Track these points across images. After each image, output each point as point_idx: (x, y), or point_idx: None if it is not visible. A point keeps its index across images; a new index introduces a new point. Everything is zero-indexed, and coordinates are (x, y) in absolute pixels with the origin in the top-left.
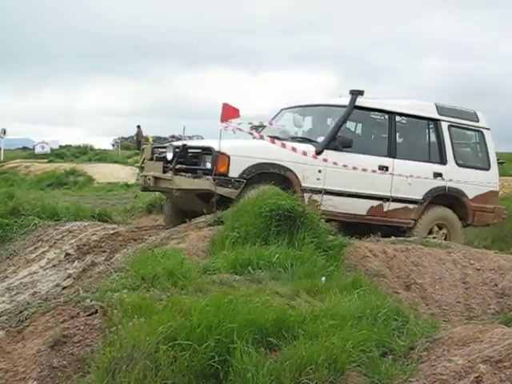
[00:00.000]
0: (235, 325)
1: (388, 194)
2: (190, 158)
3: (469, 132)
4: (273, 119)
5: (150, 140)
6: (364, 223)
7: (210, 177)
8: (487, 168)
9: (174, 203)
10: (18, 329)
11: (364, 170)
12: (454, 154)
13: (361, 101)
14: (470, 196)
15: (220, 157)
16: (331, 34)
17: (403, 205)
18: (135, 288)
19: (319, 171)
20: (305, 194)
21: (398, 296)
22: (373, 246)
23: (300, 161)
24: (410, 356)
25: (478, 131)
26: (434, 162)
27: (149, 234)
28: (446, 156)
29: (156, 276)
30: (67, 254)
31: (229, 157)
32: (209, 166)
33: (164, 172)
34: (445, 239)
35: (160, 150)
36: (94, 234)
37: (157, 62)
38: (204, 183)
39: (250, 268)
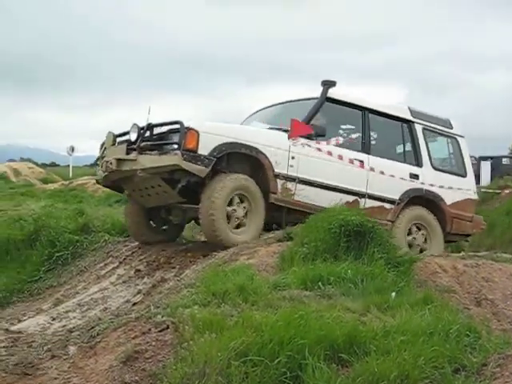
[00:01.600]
0: (307, 341)
1: (364, 189)
2: (155, 135)
3: (443, 138)
4: (247, 118)
5: None
6: None
7: (178, 151)
8: (464, 175)
9: (137, 201)
10: (90, 344)
11: (340, 157)
12: (429, 157)
13: (333, 92)
14: (448, 202)
15: (189, 132)
16: (396, 49)
17: (380, 203)
18: (206, 304)
19: (292, 158)
20: (278, 181)
21: (468, 312)
22: (443, 261)
23: (273, 144)
24: (482, 372)
25: (452, 137)
26: (409, 164)
27: (218, 250)
28: (421, 158)
29: (227, 292)
30: (137, 270)
31: (198, 132)
32: (176, 140)
33: (127, 154)
34: (425, 241)
35: (122, 135)
36: (163, 250)
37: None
38: (171, 158)
39: (320, 284)
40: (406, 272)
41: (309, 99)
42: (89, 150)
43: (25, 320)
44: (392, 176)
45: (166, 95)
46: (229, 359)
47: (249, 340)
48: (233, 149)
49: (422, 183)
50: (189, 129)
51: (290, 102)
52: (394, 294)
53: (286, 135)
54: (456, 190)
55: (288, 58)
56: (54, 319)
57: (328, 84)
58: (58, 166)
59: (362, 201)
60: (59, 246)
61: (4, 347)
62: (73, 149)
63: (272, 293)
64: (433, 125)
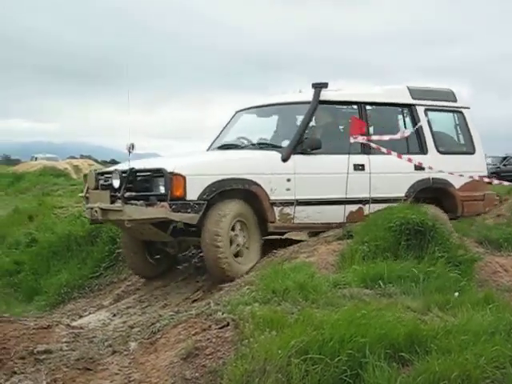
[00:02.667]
0: (367, 339)
1: (367, 195)
2: (140, 183)
3: (448, 114)
4: (228, 123)
5: None
6: None
7: (165, 203)
8: (472, 152)
9: (131, 234)
10: (151, 340)
11: (338, 172)
12: (434, 141)
13: (326, 94)
14: (457, 185)
15: (174, 178)
16: (459, 47)
17: (386, 205)
18: (266, 301)
19: (288, 180)
20: (274, 208)
21: None
22: (504, 260)
23: (266, 171)
24: None
25: (457, 112)
26: (413, 153)
27: (277, 248)
28: (426, 145)
29: (287, 289)
30: (197, 268)
31: (184, 177)
32: (162, 190)
33: (112, 202)
34: None
35: (105, 176)
36: None
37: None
38: (158, 211)
39: (380, 282)
40: (467, 271)
41: (300, 103)
42: (149, 147)
43: (86, 316)
44: (396, 172)
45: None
46: (289, 357)
47: (309, 338)
48: (223, 187)
49: (429, 172)
50: (173, 174)
51: (281, 104)
52: (457, 293)
53: (278, 156)
54: (465, 171)
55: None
56: (114, 315)
57: (319, 86)
58: (118, 163)
59: (366, 207)
60: (120, 243)
61: (65, 342)
62: (133, 146)
63: (332, 291)
64: (436, 102)
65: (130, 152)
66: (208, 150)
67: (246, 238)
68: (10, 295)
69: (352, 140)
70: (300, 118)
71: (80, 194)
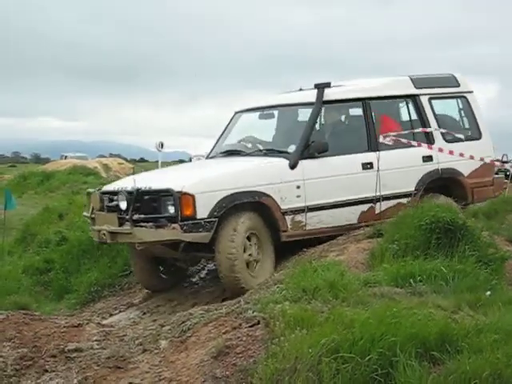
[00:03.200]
0: (398, 338)
1: (377, 194)
2: (147, 204)
3: (451, 101)
4: (228, 125)
5: None
6: None
7: (175, 225)
8: (478, 137)
9: (140, 251)
10: (181, 339)
11: (347, 173)
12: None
13: (329, 93)
14: (466, 173)
15: (183, 198)
16: (489, 46)
17: (396, 201)
18: (296, 300)
19: (298, 187)
20: (286, 217)
21: None
22: None
23: (275, 181)
24: None
25: (461, 97)
26: (420, 145)
27: (307, 247)
28: (432, 135)
29: (317, 288)
30: None
31: (193, 196)
32: (171, 210)
33: (120, 224)
34: None
35: (109, 196)
36: None
37: (309, 76)
38: (169, 233)
39: (411, 281)
40: (498, 270)
41: (303, 104)
42: (178, 146)
43: (116, 314)
44: (404, 167)
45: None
46: (320, 355)
47: (340, 337)
48: (233, 202)
49: (437, 162)
50: (182, 194)
51: (282, 106)
52: (488, 292)
53: (286, 163)
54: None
55: (377, 56)
56: (144, 313)
57: (322, 86)
58: (147, 161)
59: (377, 206)
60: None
61: (96, 341)
62: (162, 145)
63: (362, 289)
64: (439, 89)
65: (159, 150)
66: (210, 154)
67: (259, 250)
68: (41, 293)
69: (381, 139)
70: (302, 119)
71: (84, 214)
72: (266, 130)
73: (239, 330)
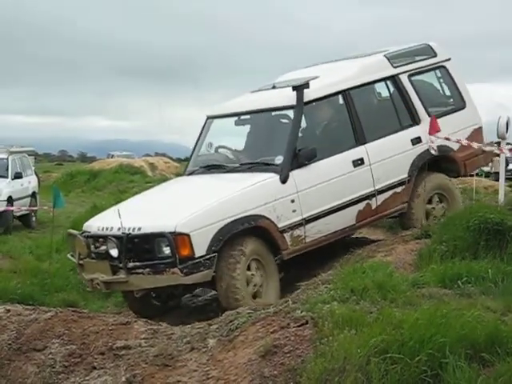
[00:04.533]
0: (447, 339)
1: (372, 189)
2: (140, 248)
3: (431, 73)
4: (201, 133)
5: None
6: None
7: (175, 269)
8: (462, 106)
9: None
10: (229, 338)
11: (339, 175)
12: (424, 107)
13: (309, 93)
14: (456, 147)
15: (178, 239)
16: None
17: (391, 192)
18: (345, 300)
19: (292, 201)
20: (285, 235)
21: None
22: None
23: (268, 200)
24: None
25: (440, 67)
26: (407, 127)
27: (354, 247)
28: (417, 114)
29: (365, 288)
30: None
31: (189, 235)
32: (167, 251)
33: (114, 272)
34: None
35: (97, 242)
36: None
37: None
38: (170, 278)
39: (459, 282)
40: None
41: (283, 108)
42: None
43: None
44: (395, 155)
45: None
46: (368, 356)
47: (388, 337)
48: (230, 232)
49: (426, 143)
50: (176, 235)
51: (262, 111)
52: None
53: (276, 178)
54: (460, 129)
55: None
56: (191, 312)
57: (301, 88)
58: None
59: (373, 201)
60: None
61: (144, 339)
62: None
63: (411, 290)
64: (417, 64)
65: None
66: (189, 168)
67: (263, 276)
68: (88, 291)
69: (431, 140)
70: (284, 125)
71: (69, 257)
72: (243, 137)
73: (287, 329)
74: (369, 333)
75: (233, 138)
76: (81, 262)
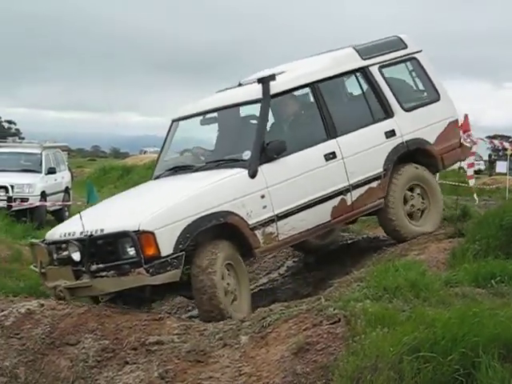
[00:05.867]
0: (480, 338)
1: (346, 183)
2: (103, 250)
3: (402, 65)
4: (167, 136)
5: None
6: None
7: (140, 269)
8: (437, 98)
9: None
10: (262, 334)
11: (310, 169)
12: (397, 99)
13: (275, 86)
14: (432, 139)
15: (142, 238)
16: None
17: (366, 187)
18: (377, 298)
19: (262, 197)
20: (256, 232)
21: None
22: None
23: (237, 195)
24: None
25: (411, 59)
26: (380, 120)
27: (387, 245)
28: (390, 107)
29: (398, 287)
30: (306, 264)
31: (153, 233)
32: (131, 252)
33: (77, 277)
34: (422, 199)
35: (59, 249)
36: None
37: None
38: (135, 279)
39: (492, 281)
40: None
41: (249, 103)
42: None
43: (196, 309)
44: (368, 148)
45: None
46: (401, 354)
47: (421, 336)
48: (198, 229)
49: (400, 135)
50: (140, 233)
51: (227, 107)
52: None
53: (245, 173)
54: (436, 122)
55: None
56: None
57: (267, 80)
58: None
59: (348, 196)
60: None
61: (177, 334)
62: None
63: (444, 289)
64: (387, 56)
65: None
66: (155, 173)
67: (235, 279)
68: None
69: (464, 138)
70: (249, 120)
71: (32, 267)
72: (210, 137)
73: (320, 327)
74: (401, 331)
75: (199, 140)
76: (43, 270)
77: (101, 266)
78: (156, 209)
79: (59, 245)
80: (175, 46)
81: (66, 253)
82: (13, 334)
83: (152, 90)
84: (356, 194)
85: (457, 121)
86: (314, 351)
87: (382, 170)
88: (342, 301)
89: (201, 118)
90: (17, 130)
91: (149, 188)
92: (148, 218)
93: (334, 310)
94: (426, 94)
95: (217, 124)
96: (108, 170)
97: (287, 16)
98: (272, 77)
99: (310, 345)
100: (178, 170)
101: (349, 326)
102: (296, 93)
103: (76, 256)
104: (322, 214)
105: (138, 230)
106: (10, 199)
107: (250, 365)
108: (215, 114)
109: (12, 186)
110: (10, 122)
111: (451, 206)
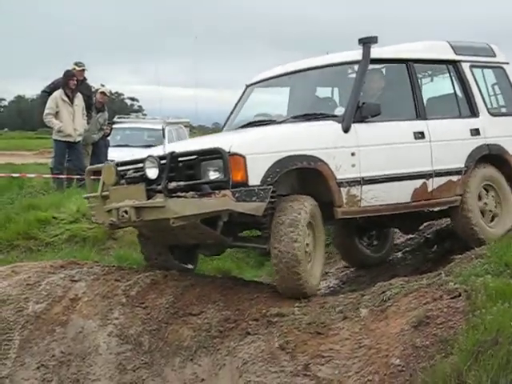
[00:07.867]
0: None
1: (430, 168)
2: (182, 171)
3: (490, 71)
4: (240, 100)
5: None
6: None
7: (226, 191)
8: None
9: (157, 240)
10: (381, 308)
11: (401, 142)
12: (484, 102)
13: (376, 51)
14: (511, 151)
15: (232, 160)
16: None
17: (447, 179)
18: (498, 274)
19: (352, 154)
20: (341, 189)
21: None
22: None
23: (329, 145)
24: None
25: (498, 68)
26: (465, 117)
27: None
28: (476, 106)
29: None
30: (427, 239)
31: (244, 157)
32: (214, 176)
33: (149, 197)
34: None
35: (130, 167)
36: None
37: None
38: (219, 202)
39: None
40: None
41: (345, 63)
42: None
43: None
44: (454, 140)
45: None
46: None
47: None
48: (288, 166)
49: (484, 137)
50: (231, 155)
51: (316, 68)
52: None
53: (338, 126)
54: None
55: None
56: (344, 283)
57: (368, 41)
58: None
59: (429, 182)
60: None
61: (297, 307)
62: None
63: None
64: (478, 58)
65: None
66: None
67: (313, 238)
68: (242, 260)
69: None
70: (339, 84)
71: (87, 195)
72: (279, 105)
73: (440, 301)
74: None
75: (271, 107)
76: (105, 192)
77: (182, 184)
78: (249, 136)
79: (132, 164)
80: (301, 27)
81: (138, 174)
82: (138, 304)
83: (271, 66)
84: (437, 182)
85: None
86: (433, 325)
87: (463, 165)
88: (463, 276)
89: (278, 81)
90: (139, 106)
91: (235, 131)
92: (240, 141)
93: (455, 284)
94: (509, 104)
95: (303, 87)
96: None
97: None
98: (374, 38)
99: (429, 318)
100: (256, 123)
101: (469, 301)
102: (392, 65)
103: (152, 173)
104: (403, 192)
105: (229, 152)
106: None
107: (370, 337)
108: (298, 77)
109: None
110: (132, 98)
111: None
